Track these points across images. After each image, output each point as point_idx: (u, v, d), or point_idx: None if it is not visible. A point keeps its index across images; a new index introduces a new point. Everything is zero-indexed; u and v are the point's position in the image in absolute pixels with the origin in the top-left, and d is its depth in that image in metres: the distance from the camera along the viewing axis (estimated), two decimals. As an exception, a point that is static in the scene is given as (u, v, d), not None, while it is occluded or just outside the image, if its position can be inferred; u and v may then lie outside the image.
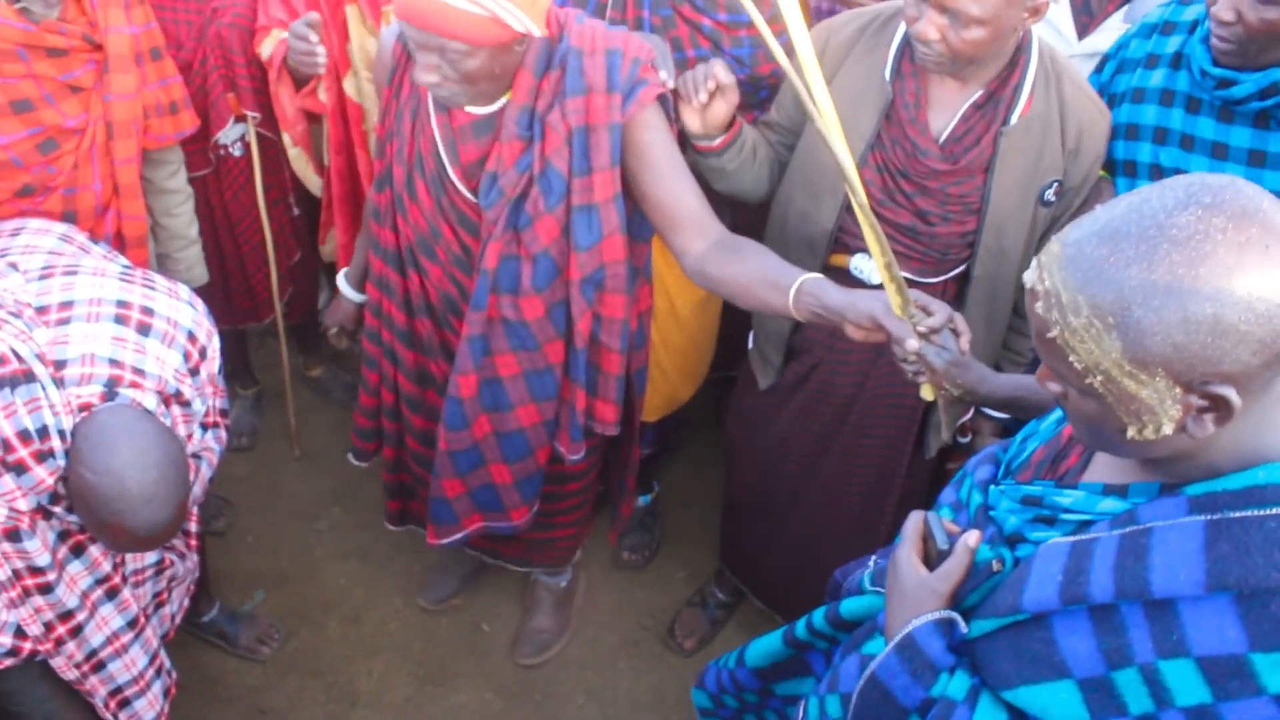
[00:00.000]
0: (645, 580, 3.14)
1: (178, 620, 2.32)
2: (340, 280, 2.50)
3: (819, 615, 1.58)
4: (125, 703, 2.14)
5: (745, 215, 2.37)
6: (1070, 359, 1.06)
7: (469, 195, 2.01)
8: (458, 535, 2.44)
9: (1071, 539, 1.16)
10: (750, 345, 2.46)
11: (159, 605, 2.21)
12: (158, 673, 2.19)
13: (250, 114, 2.72)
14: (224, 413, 2.16)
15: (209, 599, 2.88)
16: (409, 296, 2.21)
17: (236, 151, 2.81)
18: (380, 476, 2.64)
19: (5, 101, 2.09)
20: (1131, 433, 1.08)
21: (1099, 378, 1.05)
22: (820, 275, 1.78)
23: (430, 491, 2.38)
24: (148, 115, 2.33)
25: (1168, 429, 1.06)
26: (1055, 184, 2.05)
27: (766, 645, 1.69)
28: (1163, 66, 2.10)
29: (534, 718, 2.82)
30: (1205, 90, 2.01)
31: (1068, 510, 1.22)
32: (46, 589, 1.85)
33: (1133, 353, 1.01)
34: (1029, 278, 1.10)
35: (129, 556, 2.04)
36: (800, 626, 1.62)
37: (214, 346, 2.02)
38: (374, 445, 2.55)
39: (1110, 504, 1.18)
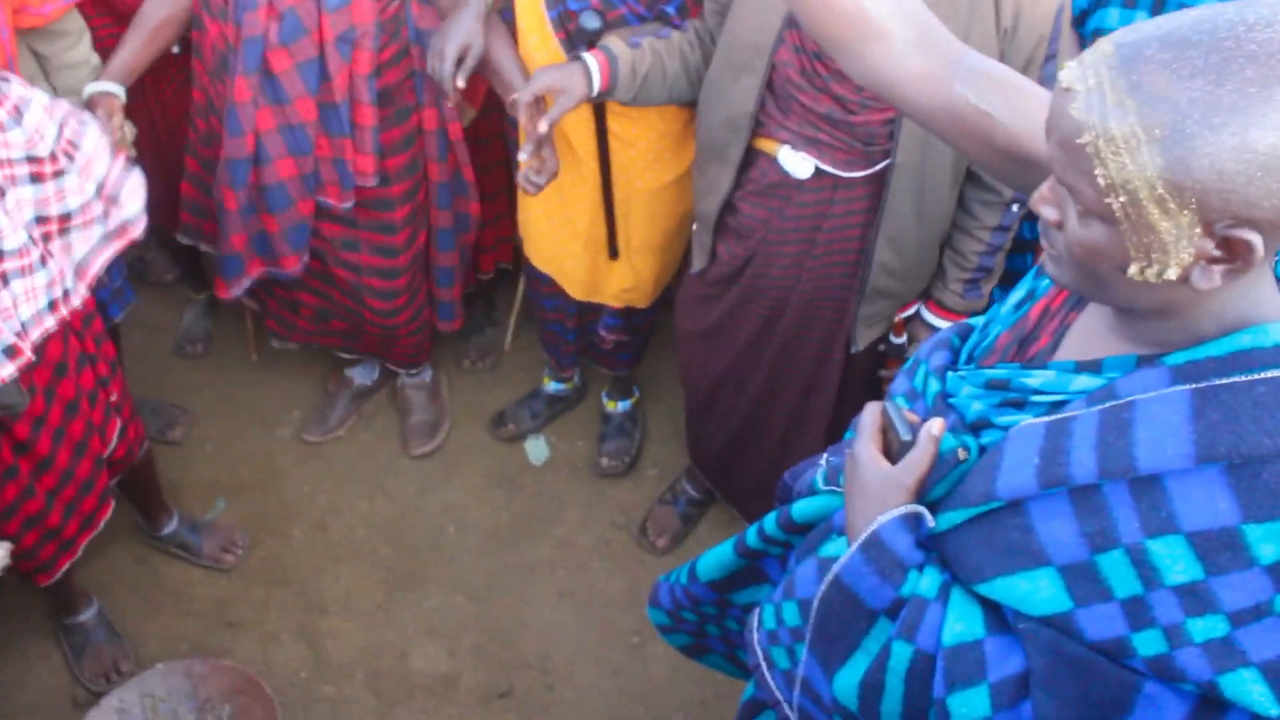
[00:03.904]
0: (616, 479, 3.06)
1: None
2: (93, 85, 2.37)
3: (770, 521, 1.49)
4: None
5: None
6: (1096, 172, 0.94)
7: None
8: (245, 282, 2.70)
9: (1046, 419, 1.07)
10: (695, 226, 2.35)
11: None
12: None
13: None
14: None
15: (167, 511, 2.80)
16: (203, 55, 2.43)
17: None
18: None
19: None
20: (1133, 270, 0.97)
21: (1122, 198, 0.93)
22: None
23: (222, 250, 2.65)
24: None
25: (1172, 273, 0.95)
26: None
27: (718, 557, 1.61)
28: None
29: (507, 619, 2.77)
30: None
31: (1038, 391, 1.13)
32: None
33: (1171, 174, 0.90)
34: (1067, 75, 0.97)
35: None
36: (751, 534, 1.53)
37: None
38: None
39: (1084, 381, 1.08)
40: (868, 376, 2.40)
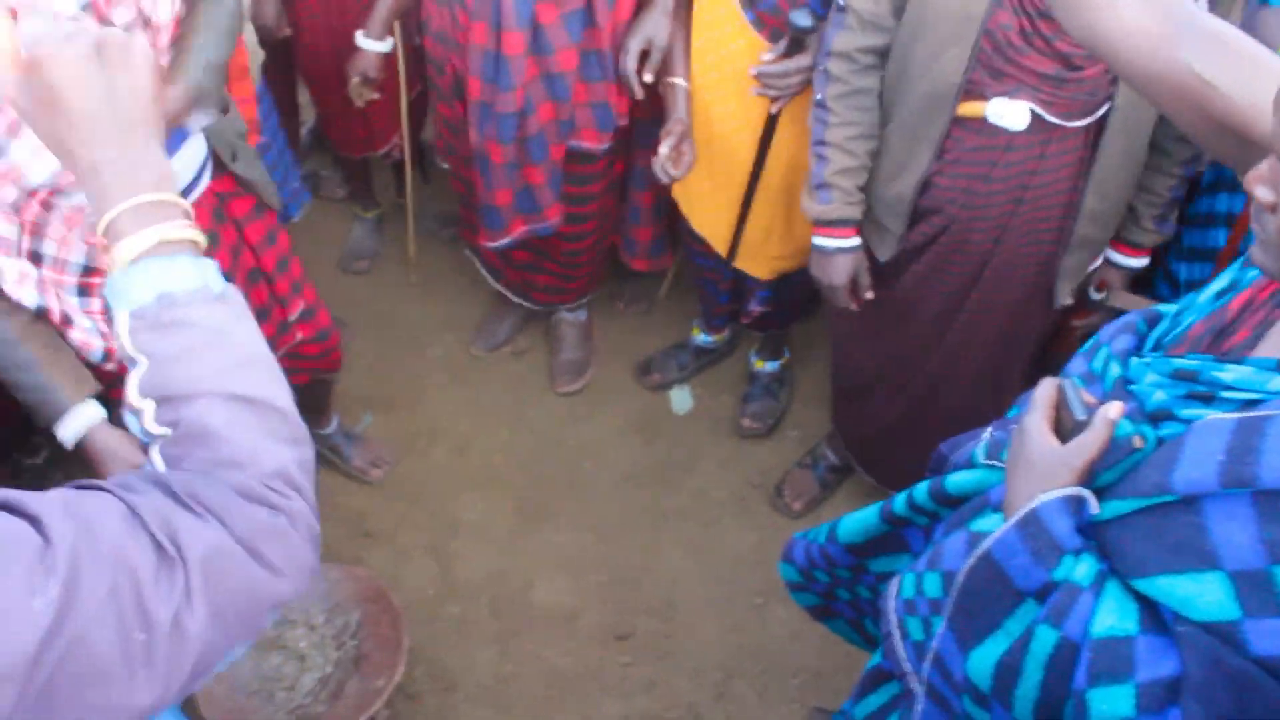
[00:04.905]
0: (757, 438, 3.04)
1: None
2: (359, 36, 2.60)
3: (921, 490, 1.44)
4: None
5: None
6: None
7: None
8: (505, 240, 2.73)
9: (1237, 415, 1.01)
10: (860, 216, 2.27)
11: None
12: None
13: None
14: None
15: (326, 415, 2.88)
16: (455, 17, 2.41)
17: None
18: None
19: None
20: None
21: None
22: None
23: (484, 201, 2.66)
24: None
25: None
26: None
27: (862, 520, 1.57)
28: None
29: (634, 563, 2.78)
30: None
31: (1230, 387, 1.06)
32: None
33: None
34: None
35: None
36: (900, 501, 1.49)
37: None
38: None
39: None
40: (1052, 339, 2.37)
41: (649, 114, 2.53)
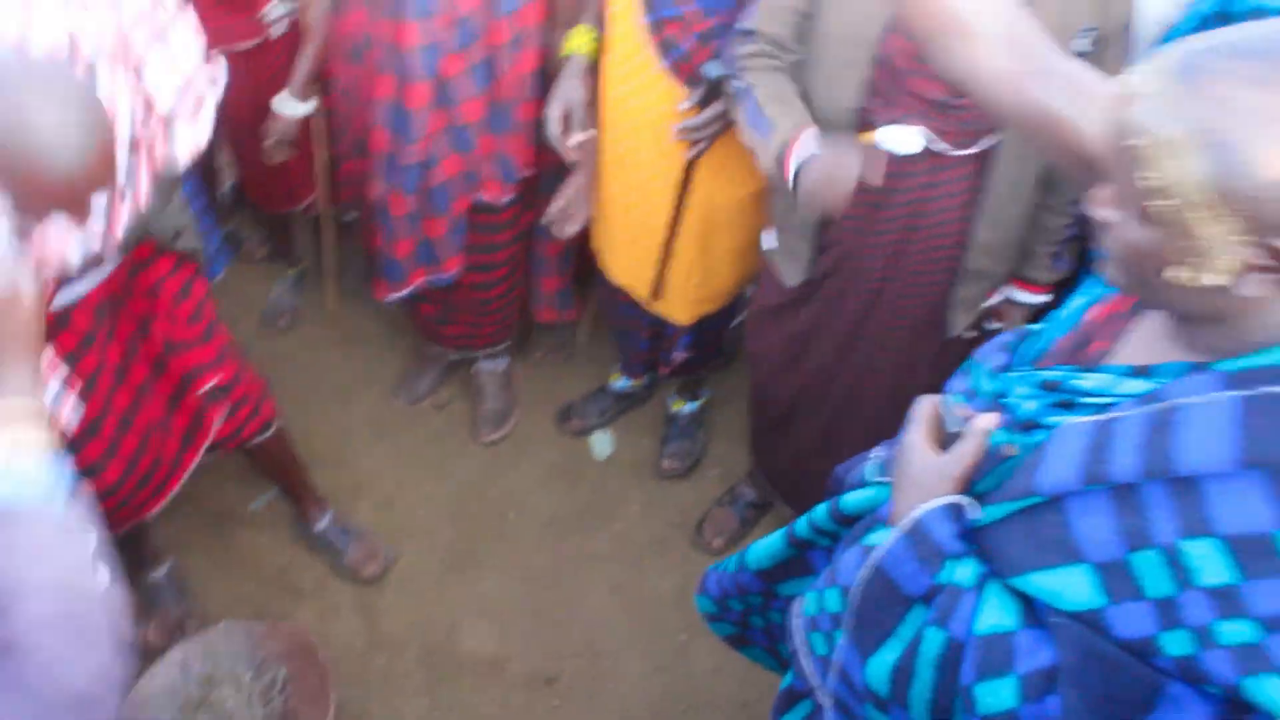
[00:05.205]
0: (678, 478, 3.10)
1: None
2: (278, 100, 2.63)
3: (821, 511, 1.51)
4: None
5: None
6: (1145, 175, 0.96)
7: None
8: (404, 291, 2.79)
9: (1093, 419, 1.09)
10: (769, 245, 2.34)
11: None
12: None
13: None
14: None
15: (317, 505, 2.88)
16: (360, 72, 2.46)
17: (279, 31, 2.74)
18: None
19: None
20: (1172, 273, 0.99)
21: (1167, 202, 0.95)
22: None
23: (386, 253, 2.72)
24: None
25: (1214, 280, 0.97)
26: (1090, 32, 1.92)
27: (768, 546, 1.63)
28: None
29: (559, 608, 2.81)
30: None
31: (1089, 394, 1.14)
32: None
33: (1219, 181, 0.92)
34: (1128, 79, 0.99)
35: None
36: (802, 524, 1.56)
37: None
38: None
39: (1136, 385, 1.10)
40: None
41: (554, 165, 2.60)
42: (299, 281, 3.48)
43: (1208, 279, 0.97)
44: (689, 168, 2.40)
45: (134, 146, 1.75)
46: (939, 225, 2.11)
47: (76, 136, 1.28)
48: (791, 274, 2.29)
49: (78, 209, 1.36)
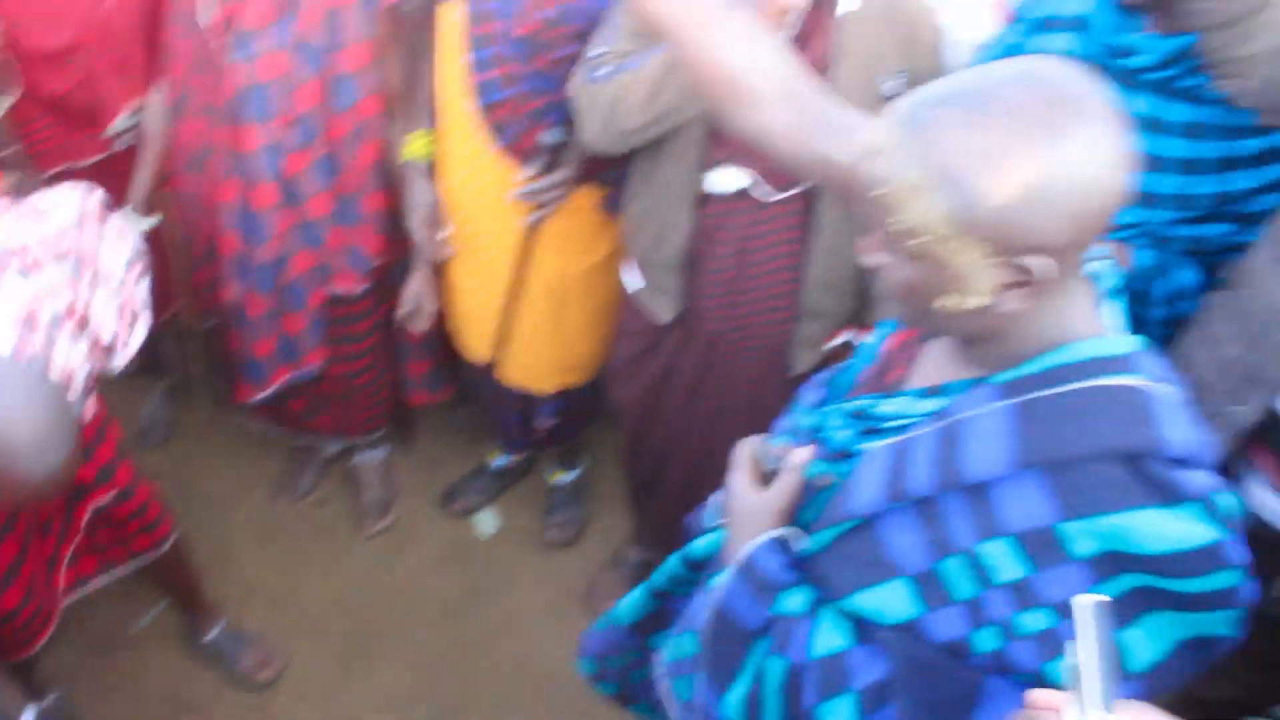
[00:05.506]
0: (565, 547, 3.13)
1: None
2: (124, 212, 2.58)
3: (673, 560, 1.57)
4: None
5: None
6: (894, 219, 1.05)
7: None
8: (268, 390, 2.76)
9: (893, 441, 1.17)
10: (634, 286, 2.40)
11: None
12: None
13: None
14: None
15: (208, 615, 2.84)
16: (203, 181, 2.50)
17: (123, 145, 2.74)
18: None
19: None
20: (940, 302, 1.08)
21: (919, 240, 1.04)
22: None
23: (245, 355, 2.71)
24: None
25: (977, 301, 1.06)
26: (902, 74, 2.02)
27: (633, 601, 1.68)
28: (1064, 31, 2.07)
29: (458, 692, 2.81)
30: (1106, 58, 1.98)
31: (891, 418, 1.22)
32: None
33: (959, 214, 1.01)
34: (866, 136, 1.09)
35: None
36: (659, 575, 1.61)
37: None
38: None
39: (930, 404, 1.19)
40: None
41: (405, 252, 2.64)
42: (171, 394, 3.46)
43: (973, 302, 1.06)
44: (531, 239, 2.47)
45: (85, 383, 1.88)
46: (771, 262, 2.18)
47: (49, 450, 1.44)
48: (664, 308, 2.33)
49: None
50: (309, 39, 2.32)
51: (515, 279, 2.54)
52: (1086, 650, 0.88)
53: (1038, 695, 0.95)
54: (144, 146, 2.61)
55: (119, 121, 2.70)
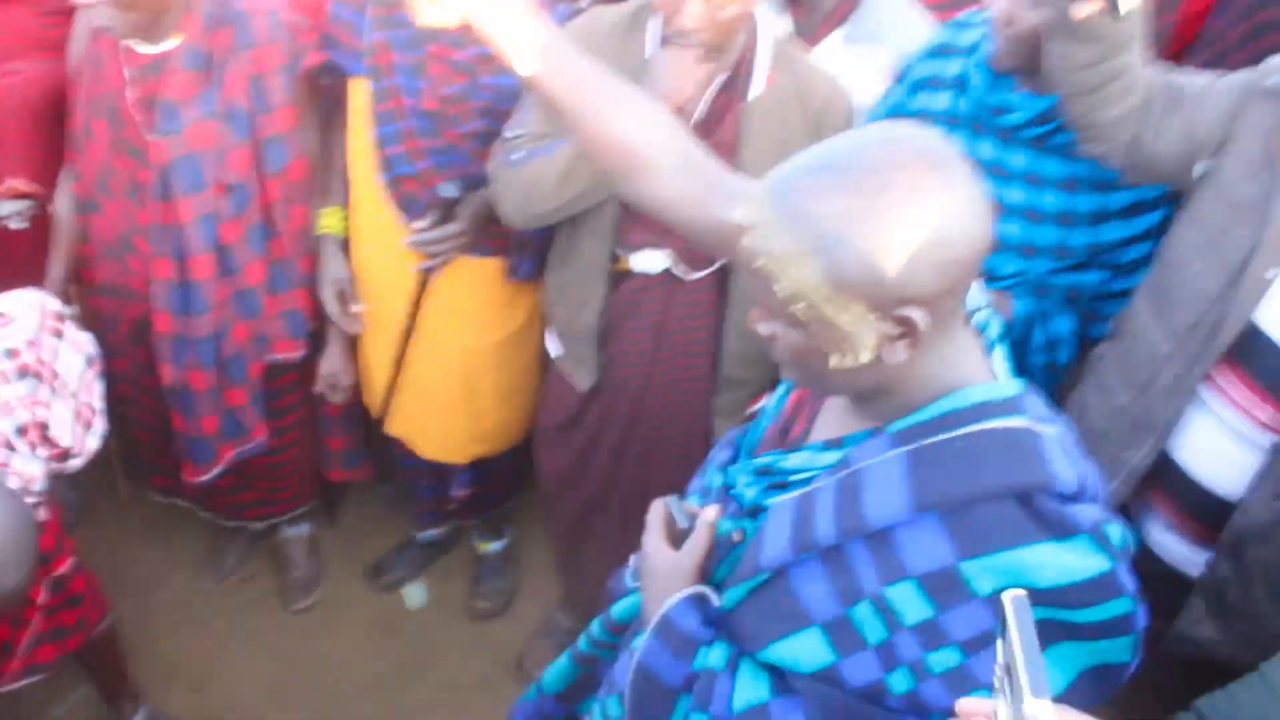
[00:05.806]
0: (494, 617, 3.13)
1: None
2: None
3: (596, 625, 1.60)
4: None
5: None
6: (775, 287, 1.09)
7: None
8: (216, 469, 2.71)
9: (797, 494, 1.21)
10: (555, 352, 2.44)
11: None
12: None
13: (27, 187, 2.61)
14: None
15: (131, 699, 2.80)
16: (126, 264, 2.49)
17: (15, 225, 2.70)
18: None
19: None
20: (834, 361, 1.12)
21: (801, 305, 1.09)
22: None
23: (190, 433, 2.66)
24: None
25: (866, 356, 1.11)
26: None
27: (559, 668, 1.70)
28: (946, 90, 2.16)
29: (391, 767, 2.78)
30: (984, 115, 2.07)
31: (795, 472, 1.26)
32: None
33: (832, 277, 1.06)
34: (739, 213, 1.13)
35: None
36: (583, 641, 1.63)
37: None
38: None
39: (829, 457, 1.23)
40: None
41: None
42: (77, 477, 3.38)
43: (862, 357, 1.11)
44: (425, 299, 2.50)
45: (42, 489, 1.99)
46: (688, 334, 2.25)
47: (10, 567, 1.59)
48: (582, 378, 2.38)
49: None
50: (236, 105, 2.34)
51: (410, 339, 2.57)
52: (1020, 641, 0.89)
53: (968, 704, 0.98)
54: (57, 236, 2.58)
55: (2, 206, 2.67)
